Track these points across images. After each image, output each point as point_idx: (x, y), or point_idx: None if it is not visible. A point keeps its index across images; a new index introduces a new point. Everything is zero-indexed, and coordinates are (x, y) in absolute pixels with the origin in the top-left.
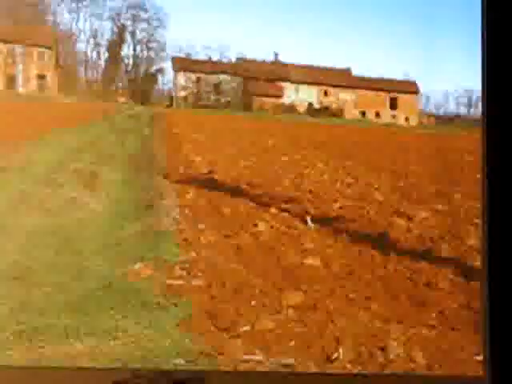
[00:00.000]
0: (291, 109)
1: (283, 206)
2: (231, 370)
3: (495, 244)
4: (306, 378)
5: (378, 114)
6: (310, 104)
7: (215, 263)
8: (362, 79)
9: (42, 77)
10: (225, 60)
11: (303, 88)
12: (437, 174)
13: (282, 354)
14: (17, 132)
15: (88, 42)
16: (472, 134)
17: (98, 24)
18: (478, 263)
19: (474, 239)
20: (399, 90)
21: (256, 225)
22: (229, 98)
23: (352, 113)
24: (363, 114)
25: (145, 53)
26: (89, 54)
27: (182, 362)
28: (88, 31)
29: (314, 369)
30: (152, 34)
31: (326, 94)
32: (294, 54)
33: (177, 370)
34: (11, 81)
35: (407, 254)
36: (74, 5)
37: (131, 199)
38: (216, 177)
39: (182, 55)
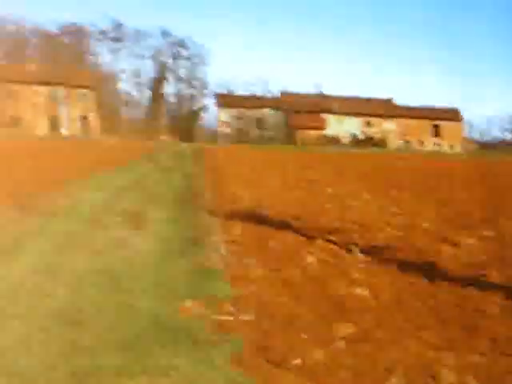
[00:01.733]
0: (335, 140)
1: (330, 237)
2: None
3: None
4: None
5: (421, 142)
6: (354, 135)
7: (264, 297)
8: (405, 108)
9: (84, 118)
10: (267, 94)
11: (346, 119)
12: (482, 200)
13: None
14: (62, 173)
15: (129, 81)
16: None
17: (139, 63)
18: None
19: None
20: (442, 117)
21: (304, 257)
22: (272, 132)
23: (395, 142)
24: (407, 142)
25: (187, 90)
26: (130, 93)
27: None
28: (129, 70)
29: None
30: (193, 71)
31: (368, 124)
32: (336, 86)
33: None
34: (55, 123)
35: (456, 281)
36: (114, 45)
37: (178, 236)
38: (262, 211)
39: (225, 91)
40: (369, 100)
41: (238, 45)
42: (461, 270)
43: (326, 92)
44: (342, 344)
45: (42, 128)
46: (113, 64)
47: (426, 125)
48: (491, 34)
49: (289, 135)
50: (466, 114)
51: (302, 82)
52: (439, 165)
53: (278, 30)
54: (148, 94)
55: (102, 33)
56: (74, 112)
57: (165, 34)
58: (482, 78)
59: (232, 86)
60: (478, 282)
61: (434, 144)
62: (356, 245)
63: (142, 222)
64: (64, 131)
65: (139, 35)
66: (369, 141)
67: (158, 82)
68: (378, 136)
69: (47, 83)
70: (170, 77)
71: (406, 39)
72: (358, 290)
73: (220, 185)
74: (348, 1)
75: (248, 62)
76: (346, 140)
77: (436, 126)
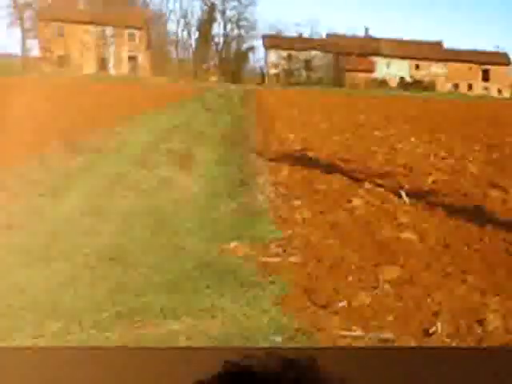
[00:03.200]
0: (383, 83)
1: (377, 180)
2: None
3: None
4: (406, 351)
5: (470, 87)
6: (402, 78)
7: (311, 240)
8: (454, 52)
9: (133, 58)
10: (315, 36)
11: (394, 62)
12: None
13: (379, 329)
14: (111, 113)
15: (178, 22)
16: None
17: (188, 3)
18: None
19: None
20: (491, 61)
21: (351, 200)
22: (320, 74)
23: (444, 86)
24: (455, 86)
25: (235, 31)
26: (179, 34)
27: (279, 339)
28: (178, 11)
29: (412, 343)
30: (242, 13)
31: (417, 67)
32: (385, 28)
33: (287, 348)
34: (103, 62)
35: (503, 226)
36: None
37: (225, 178)
38: (309, 153)
39: (273, 33)
40: (418, 43)
41: None
42: (508, 215)
43: (375, 35)
44: (388, 287)
45: (90, 67)
46: (162, 4)
47: (475, 69)
48: None
49: (337, 77)
50: None
51: (350, 26)
52: (488, 110)
53: None
54: (197, 34)
55: None
56: (123, 52)
57: None
58: None
59: (280, 27)
60: None
61: (483, 88)
62: (403, 188)
63: (192, 164)
64: (113, 71)
65: None
66: (418, 84)
67: (206, 23)
68: (426, 79)
69: (96, 22)
70: (219, 18)
71: None
72: (405, 234)
73: (267, 126)
74: None
75: (296, 4)
76: (394, 83)
77: (485, 71)
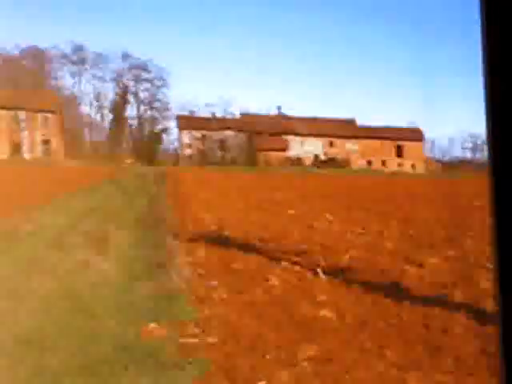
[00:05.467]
0: (297, 161)
1: (294, 258)
2: None
3: (509, 287)
4: None
5: (384, 163)
6: (316, 156)
7: (229, 320)
8: (367, 129)
9: (47, 141)
10: (229, 116)
11: (308, 140)
12: (446, 219)
13: None
14: (26, 197)
15: (91, 104)
16: (479, 178)
17: (101, 86)
18: (491, 307)
19: (486, 283)
20: (404, 137)
21: (268, 279)
22: (234, 154)
23: (358, 162)
24: (369, 163)
25: (149, 112)
26: (92, 116)
27: None
28: (91, 94)
29: None
30: (155, 94)
31: (331, 144)
32: (298, 106)
33: None
34: (17, 147)
35: (420, 300)
36: (75, 68)
37: (142, 260)
38: (226, 233)
39: (186, 113)
40: (331, 121)
41: (199, 68)
42: (424, 290)
43: (288, 113)
44: (307, 366)
45: (2, 152)
46: (74, 87)
47: (389, 145)
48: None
49: (251, 157)
50: (428, 134)
51: (263, 104)
52: (403, 185)
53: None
54: (110, 117)
55: (64, 56)
56: (36, 136)
57: (126, 56)
58: (445, 99)
59: (193, 108)
60: (442, 302)
61: (397, 164)
62: (320, 266)
63: (108, 246)
64: (26, 155)
65: (100, 58)
66: (331, 161)
67: (119, 104)
68: (340, 157)
69: (8, 107)
70: (132, 99)
71: (369, 62)
72: (323, 312)
73: (183, 207)
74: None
75: (209, 84)
76: (308, 161)
77: (399, 147)
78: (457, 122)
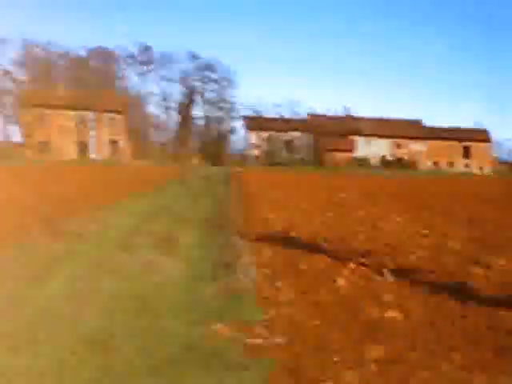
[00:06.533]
0: (364, 162)
1: (361, 260)
2: None
3: None
4: None
5: (451, 164)
6: (383, 156)
7: (295, 320)
8: (433, 130)
9: (114, 142)
10: (295, 117)
11: (375, 141)
12: None
13: None
14: (93, 197)
15: (158, 104)
16: None
17: (167, 86)
18: None
19: None
20: (471, 138)
21: (334, 280)
22: (301, 155)
23: (425, 163)
24: (436, 164)
25: (215, 113)
26: (159, 116)
27: None
28: (157, 94)
29: None
30: (222, 94)
31: (398, 145)
32: (365, 107)
33: None
34: (85, 147)
35: (487, 302)
36: (142, 68)
37: (207, 259)
38: (292, 233)
39: (253, 114)
40: (397, 121)
41: (266, 68)
42: (492, 291)
43: (354, 114)
44: (373, 366)
45: (70, 153)
46: (141, 87)
47: (456, 146)
48: None
49: (318, 157)
50: (496, 136)
51: (330, 105)
52: (470, 186)
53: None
54: (176, 117)
55: (130, 56)
56: (103, 136)
57: (192, 57)
58: (509, 100)
59: (260, 108)
60: (509, 303)
61: (464, 165)
62: (387, 267)
63: (173, 247)
64: (93, 156)
65: (167, 58)
66: (398, 162)
67: (186, 105)
68: (407, 158)
69: (75, 108)
70: (199, 100)
71: (436, 63)
72: (390, 313)
73: (250, 208)
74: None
75: (276, 84)
76: (374, 161)
77: (466, 148)
78: None
